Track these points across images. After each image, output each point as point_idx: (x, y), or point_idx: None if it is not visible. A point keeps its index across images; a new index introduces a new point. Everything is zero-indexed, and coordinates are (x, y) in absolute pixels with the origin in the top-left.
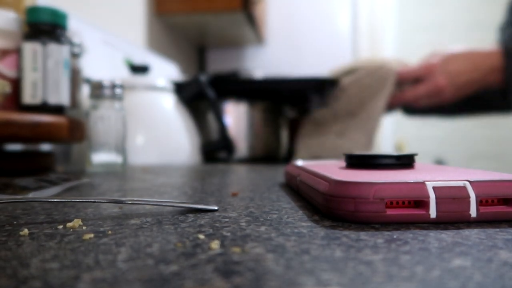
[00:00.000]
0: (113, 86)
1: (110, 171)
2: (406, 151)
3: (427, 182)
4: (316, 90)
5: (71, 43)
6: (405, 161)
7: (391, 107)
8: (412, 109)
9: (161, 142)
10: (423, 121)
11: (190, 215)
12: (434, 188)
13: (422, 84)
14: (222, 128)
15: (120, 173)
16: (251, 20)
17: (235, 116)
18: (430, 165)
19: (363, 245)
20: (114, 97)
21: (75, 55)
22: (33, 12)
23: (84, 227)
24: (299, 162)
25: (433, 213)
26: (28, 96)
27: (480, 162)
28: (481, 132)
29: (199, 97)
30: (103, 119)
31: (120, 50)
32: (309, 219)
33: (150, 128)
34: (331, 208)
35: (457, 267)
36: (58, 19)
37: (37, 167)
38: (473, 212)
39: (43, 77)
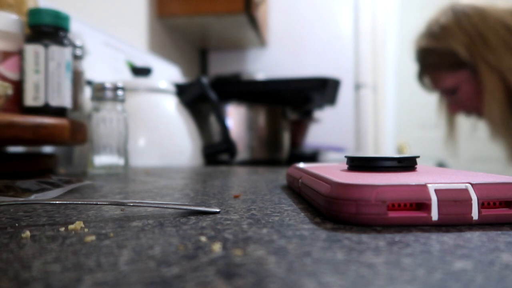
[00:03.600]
0: (115, 88)
1: (112, 173)
2: (408, 153)
3: (429, 185)
4: (318, 89)
5: (73, 45)
6: (407, 164)
7: None
8: None
9: (163, 144)
10: (424, 123)
11: (192, 217)
12: (436, 190)
13: None
14: (224, 130)
15: (122, 175)
16: (253, 22)
17: (237, 119)
18: (432, 168)
19: (364, 247)
20: (116, 99)
21: (77, 57)
22: (35, 14)
23: (86, 229)
24: (301, 164)
25: (435, 215)
26: (30, 98)
27: (482, 165)
28: (483, 135)
29: (201, 99)
30: (105, 121)
31: (122, 52)
32: (311, 222)
33: (152, 130)
34: (333, 211)
35: (459, 270)
36: (60, 21)
37: (39, 169)
38: (475, 214)
39: (45, 79)
